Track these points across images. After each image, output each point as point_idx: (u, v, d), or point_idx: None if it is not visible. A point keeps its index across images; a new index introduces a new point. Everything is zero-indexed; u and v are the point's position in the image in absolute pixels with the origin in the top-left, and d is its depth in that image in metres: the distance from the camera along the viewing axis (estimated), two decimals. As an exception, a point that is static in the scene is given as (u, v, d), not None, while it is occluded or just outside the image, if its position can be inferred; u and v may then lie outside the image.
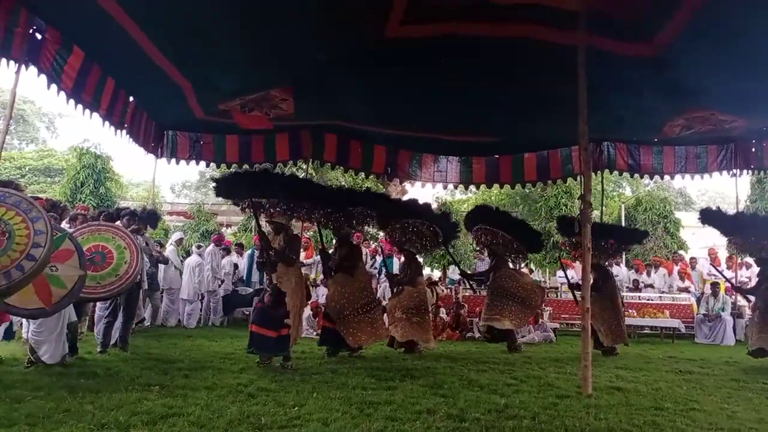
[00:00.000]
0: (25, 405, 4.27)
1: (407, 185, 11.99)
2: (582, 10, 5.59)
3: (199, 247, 11.73)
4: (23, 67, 5.54)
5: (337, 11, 5.64)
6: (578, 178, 10.15)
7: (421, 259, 9.71)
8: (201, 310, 11.25)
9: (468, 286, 11.42)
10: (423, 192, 34.25)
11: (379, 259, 13.28)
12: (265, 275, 7.31)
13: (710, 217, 8.36)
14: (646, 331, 11.92)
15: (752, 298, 8.67)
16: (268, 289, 6.66)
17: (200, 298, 11.14)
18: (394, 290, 8.69)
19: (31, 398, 4.48)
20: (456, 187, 12.20)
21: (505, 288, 8.86)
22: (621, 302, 9.35)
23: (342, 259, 7.76)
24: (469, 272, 10.91)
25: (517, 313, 8.78)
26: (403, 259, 9.04)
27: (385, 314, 8.45)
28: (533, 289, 9.09)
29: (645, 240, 11.49)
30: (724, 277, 10.31)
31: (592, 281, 9.08)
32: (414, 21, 6.14)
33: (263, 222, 6.89)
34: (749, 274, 11.57)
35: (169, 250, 10.93)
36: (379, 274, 13.17)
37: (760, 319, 7.75)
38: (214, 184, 6.92)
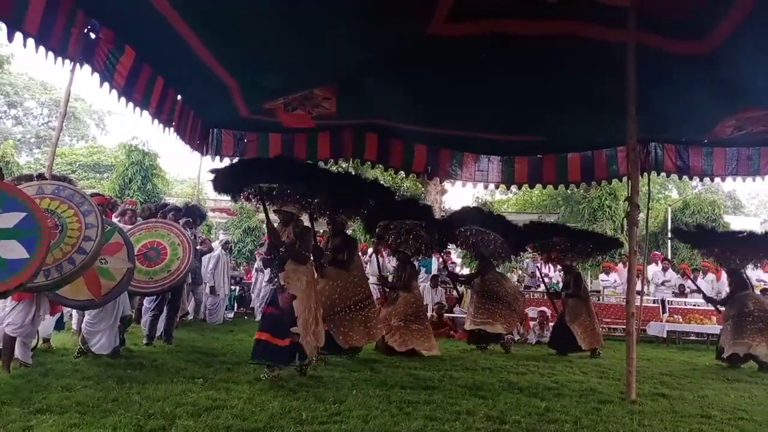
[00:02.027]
0: (75, 393, 4.42)
1: (447, 185, 11.89)
2: (632, 7, 5.47)
3: (226, 243, 11.95)
4: (78, 66, 5.75)
5: (383, 10, 5.65)
6: (623, 179, 9.96)
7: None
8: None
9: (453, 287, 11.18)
10: (463, 192, 34.17)
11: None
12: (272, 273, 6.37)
13: (680, 234, 10.02)
14: (692, 338, 11.59)
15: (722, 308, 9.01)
16: (281, 288, 5.72)
17: (226, 293, 11.34)
18: (388, 295, 8.23)
19: (81, 387, 4.64)
20: (497, 187, 12.07)
21: (495, 292, 8.69)
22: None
23: (335, 251, 7.01)
24: (456, 274, 10.71)
25: (507, 317, 8.65)
26: (396, 262, 8.56)
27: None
28: (515, 294, 9.06)
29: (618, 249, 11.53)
30: (697, 287, 10.35)
31: (564, 283, 9.38)
32: (459, 18, 6.12)
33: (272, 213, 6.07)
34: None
35: (217, 252, 11.12)
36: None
37: (734, 327, 8.11)
38: (211, 176, 5.99)
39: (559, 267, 16.20)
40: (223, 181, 5.75)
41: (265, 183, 5.65)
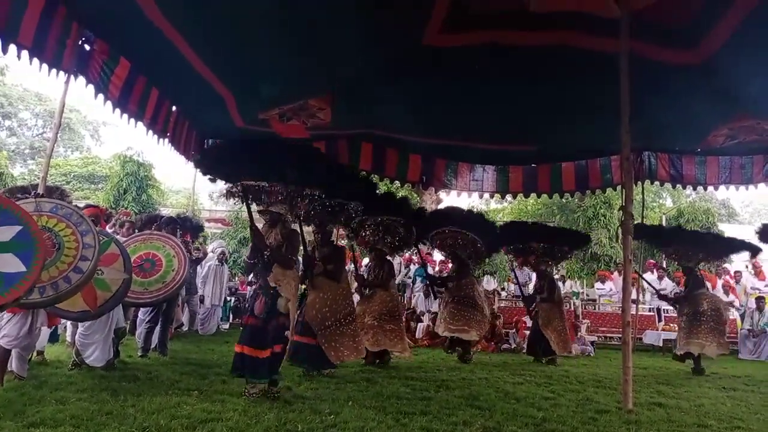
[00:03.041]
0: (69, 406, 4.40)
1: (442, 194, 11.87)
2: (625, 17, 5.51)
3: (222, 253, 11.86)
4: (72, 77, 5.74)
5: (377, 20, 5.68)
6: (618, 188, 10.00)
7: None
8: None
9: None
10: (458, 201, 34.16)
11: (413, 267, 13.27)
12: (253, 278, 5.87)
13: (640, 231, 9.36)
14: (687, 346, 11.58)
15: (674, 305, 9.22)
16: (260, 294, 5.37)
17: (220, 303, 11.27)
18: (364, 293, 7.85)
19: (76, 400, 4.62)
20: (492, 197, 12.07)
21: (470, 297, 8.51)
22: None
23: (325, 261, 6.62)
24: (434, 276, 10.29)
25: (480, 323, 8.49)
26: (370, 260, 8.02)
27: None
28: (485, 299, 8.95)
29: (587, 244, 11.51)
30: (651, 286, 10.41)
31: (538, 288, 9.39)
32: (453, 29, 6.14)
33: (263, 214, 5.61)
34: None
35: (212, 263, 11.04)
36: (413, 283, 13.14)
37: (688, 325, 8.35)
38: (197, 158, 5.68)
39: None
40: (215, 162, 5.36)
41: (256, 173, 5.16)
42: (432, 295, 11.19)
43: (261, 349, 5.12)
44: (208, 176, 5.45)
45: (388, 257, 7.90)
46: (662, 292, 9.83)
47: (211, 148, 6.74)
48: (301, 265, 6.31)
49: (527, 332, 10.66)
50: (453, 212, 8.99)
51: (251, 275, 6.16)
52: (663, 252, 9.51)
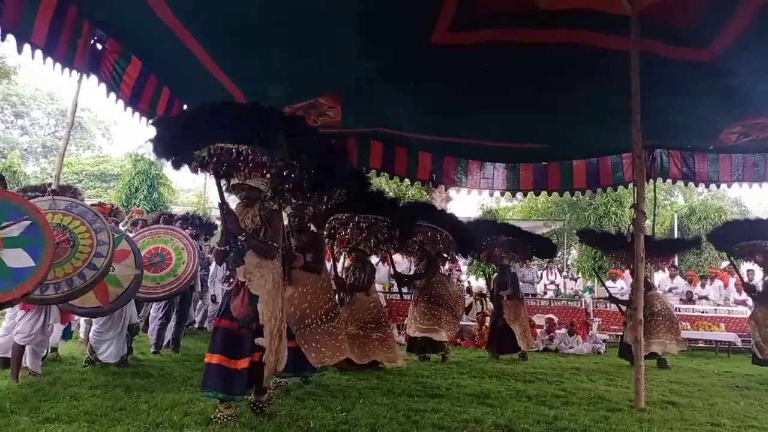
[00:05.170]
0: (83, 402, 4.43)
1: (452, 192, 11.84)
2: (635, 15, 5.48)
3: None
4: (84, 76, 5.80)
5: (385, 19, 5.69)
6: (629, 186, 9.95)
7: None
8: None
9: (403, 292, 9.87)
10: (468, 199, 34.14)
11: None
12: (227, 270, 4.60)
13: (587, 236, 10.93)
14: (700, 345, 11.53)
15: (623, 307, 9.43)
16: (241, 290, 4.26)
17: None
18: (344, 298, 6.89)
19: (90, 396, 4.65)
20: (502, 195, 12.02)
21: (440, 295, 8.15)
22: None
23: (304, 250, 5.71)
24: (402, 274, 9.23)
25: (450, 323, 8.12)
26: (350, 260, 7.20)
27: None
28: (457, 297, 8.57)
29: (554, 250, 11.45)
30: (605, 287, 10.61)
31: (502, 286, 9.23)
32: (461, 28, 6.13)
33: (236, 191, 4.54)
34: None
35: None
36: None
37: (645, 327, 8.24)
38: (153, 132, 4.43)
39: (564, 273, 16.19)
40: (165, 141, 4.29)
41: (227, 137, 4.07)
42: (399, 294, 10.29)
43: (236, 358, 4.16)
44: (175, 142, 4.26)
45: (370, 259, 7.14)
46: (614, 295, 10.08)
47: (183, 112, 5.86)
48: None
49: (538, 331, 10.65)
50: (421, 207, 8.71)
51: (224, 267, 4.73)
52: (615, 257, 9.66)
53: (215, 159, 4.11)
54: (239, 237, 4.24)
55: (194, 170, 4.36)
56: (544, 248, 10.32)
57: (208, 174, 4.43)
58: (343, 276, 7.02)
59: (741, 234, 8.03)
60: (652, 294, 8.69)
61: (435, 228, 8.05)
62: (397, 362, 6.73)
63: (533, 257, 10.52)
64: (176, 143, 4.23)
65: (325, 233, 6.62)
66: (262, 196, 4.39)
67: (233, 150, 4.04)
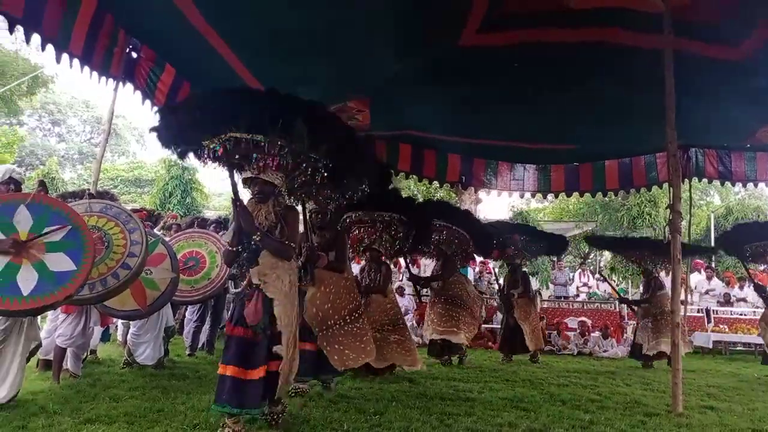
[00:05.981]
0: (122, 404, 4.53)
1: (482, 194, 11.76)
2: (667, 13, 5.39)
3: None
4: (120, 84, 5.95)
5: (415, 22, 5.70)
6: (663, 186, 9.77)
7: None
8: None
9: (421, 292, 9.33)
10: (498, 201, 33.86)
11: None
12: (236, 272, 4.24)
13: (595, 241, 11.42)
14: (738, 348, 11.25)
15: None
16: (254, 294, 3.88)
17: None
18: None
19: (128, 398, 4.75)
20: (533, 196, 11.92)
21: (459, 296, 7.88)
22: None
23: (326, 249, 5.42)
24: (419, 277, 8.85)
25: (469, 325, 7.83)
26: (365, 261, 6.73)
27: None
28: (476, 298, 8.28)
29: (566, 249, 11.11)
30: (614, 288, 10.54)
31: (512, 284, 9.09)
32: (490, 29, 6.12)
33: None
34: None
35: None
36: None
37: (654, 326, 8.54)
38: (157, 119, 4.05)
39: (597, 275, 15.96)
40: (171, 129, 3.88)
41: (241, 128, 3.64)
42: (417, 296, 9.62)
43: (251, 368, 3.83)
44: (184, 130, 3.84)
45: (385, 259, 6.73)
46: (624, 296, 10.28)
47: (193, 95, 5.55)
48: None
49: (570, 334, 10.53)
50: (437, 206, 8.52)
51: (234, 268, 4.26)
52: (627, 258, 9.76)
53: (227, 150, 3.70)
54: (253, 237, 3.88)
55: (203, 161, 3.89)
56: (554, 245, 10.12)
57: (219, 166, 3.96)
58: (359, 278, 6.53)
59: (751, 236, 7.84)
60: (664, 294, 8.59)
61: (451, 227, 7.78)
62: (416, 366, 6.34)
63: (559, 257, 10.50)
64: (184, 131, 3.81)
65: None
66: (276, 192, 4.00)
67: (249, 139, 3.65)
